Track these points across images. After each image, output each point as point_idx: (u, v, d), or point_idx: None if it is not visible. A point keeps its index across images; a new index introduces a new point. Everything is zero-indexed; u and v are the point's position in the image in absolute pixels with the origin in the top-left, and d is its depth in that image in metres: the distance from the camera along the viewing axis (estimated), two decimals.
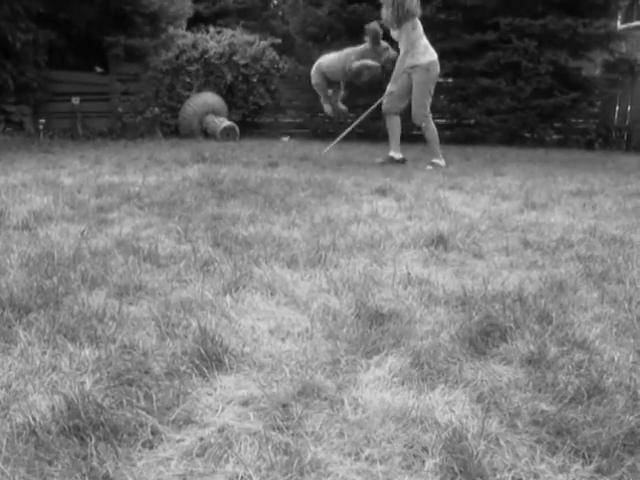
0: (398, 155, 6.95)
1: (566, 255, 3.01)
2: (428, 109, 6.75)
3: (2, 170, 5.57)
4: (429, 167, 6.64)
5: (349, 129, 7.89)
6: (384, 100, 6.92)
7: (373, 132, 10.67)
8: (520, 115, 10.52)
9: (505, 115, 10.50)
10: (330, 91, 7.45)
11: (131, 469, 1.27)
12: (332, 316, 2.10)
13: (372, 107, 7.52)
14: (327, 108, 7.61)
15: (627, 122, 11.23)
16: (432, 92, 6.76)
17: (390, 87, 6.75)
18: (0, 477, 1.23)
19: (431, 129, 6.82)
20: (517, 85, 10.47)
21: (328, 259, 2.78)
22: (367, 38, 6.98)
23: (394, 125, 6.97)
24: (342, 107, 7.63)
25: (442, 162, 6.79)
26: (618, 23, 13.66)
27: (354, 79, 7.24)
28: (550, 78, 10.35)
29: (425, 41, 6.67)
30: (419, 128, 7.01)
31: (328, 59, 7.22)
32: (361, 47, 7.07)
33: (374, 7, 9.88)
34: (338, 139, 7.99)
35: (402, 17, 6.44)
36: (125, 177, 5.26)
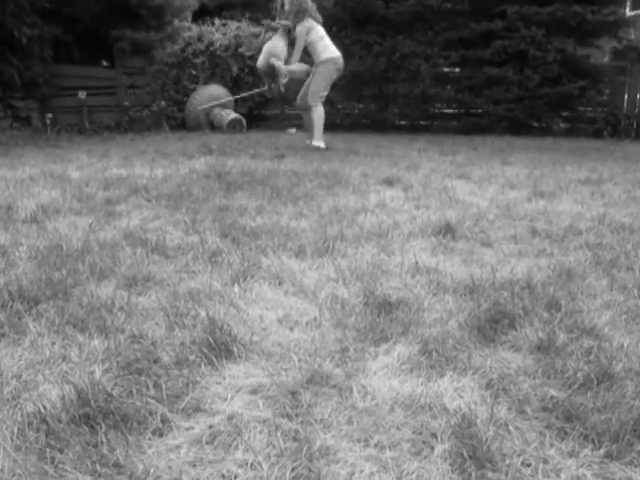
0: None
1: (575, 243, 3.00)
2: (322, 96, 7.24)
3: (10, 165, 5.59)
4: (307, 143, 7.26)
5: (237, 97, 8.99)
6: (298, 97, 7.52)
7: (379, 122, 10.65)
8: (528, 104, 10.45)
9: (512, 104, 10.43)
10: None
11: (141, 456, 1.28)
12: (340, 305, 2.10)
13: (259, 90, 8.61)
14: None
15: (636, 110, 11.14)
16: (329, 85, 7.30)
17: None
18: (12, 465, 1.24)
19: (319, 112, 7.25)
20: (524, 74, 10.40)
21: (336, 249, 2.78)
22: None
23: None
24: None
25: (322, 145, 7.22)
26: (627, 10, 13.52)
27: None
28: (558, 66, 10.27)
29: (326, 41, 7.21)
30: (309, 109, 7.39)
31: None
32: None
33: None
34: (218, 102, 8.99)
35: (296, 17, 7.11)
36: (132, 170, 5.27)
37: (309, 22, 7.07)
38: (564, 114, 11.29)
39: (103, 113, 10.56)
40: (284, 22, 7.26)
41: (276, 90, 7.76)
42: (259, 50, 11.07)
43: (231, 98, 9.09)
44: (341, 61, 7.22)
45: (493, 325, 1.93)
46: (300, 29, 7.03)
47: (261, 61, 7.45)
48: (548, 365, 1.69)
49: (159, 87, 11.07)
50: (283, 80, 7.27)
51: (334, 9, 11.04)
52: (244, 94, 9.16)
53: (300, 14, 7.04)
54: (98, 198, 3.95)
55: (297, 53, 7.16)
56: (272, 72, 7.39)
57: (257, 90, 9.18)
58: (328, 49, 7.19)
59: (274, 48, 7.31)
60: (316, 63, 7.23)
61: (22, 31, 8.96)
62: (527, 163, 6.19)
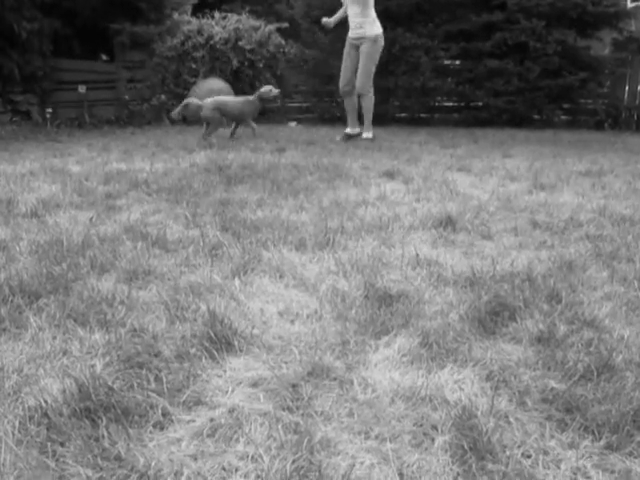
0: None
1: (575, 235, 3.00)
2: (372, 81, 6.92)
3: (10, 159, 5.58)
4: (362, 135, 7.08)
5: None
6: (341, 83, 7.15)
7: (380, 115, 10.62)
8: (528, 96, 10.42)
9: (513, 97, 10.40)
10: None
11: (142, 450, 1.28)
12: (341, 298, 2.10)
13: None
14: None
15: (637, 102, 11.10)
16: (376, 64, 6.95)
17: None
18: (13, 459, 1.24)
19: (371, 101, 7.00)
20: (525, 66, 10.36)
21: (336, 242, 2.78)
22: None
23: (354, 104, 7.24)
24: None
25: (371, 134, 7.05)
26: (628, 1, 13.46)
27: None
28: (558, 58, 10.23)
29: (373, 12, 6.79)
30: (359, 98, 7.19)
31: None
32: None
33: None
34: None
35: None
36: (133, 164, 5.26)
37: None
38: (565, 106, 11.26)
39: (103, 107, 10.54)
40: None
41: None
42: (259, 44, 11.08)
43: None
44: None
45: (493, 317, 1.94)
46: None
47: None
48: (548, 357, 1.69)
49: (159, 81, 11.04)
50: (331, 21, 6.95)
51: (333, 2, 11.00)
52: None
53: None
54: (98, 192, 3.95)
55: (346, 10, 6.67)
56: None
57: None
58: (377, 22, 6.74)
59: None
60: (362, 36, 6.74)
61: (22, 25, 8.93)
62: (528, 155, 6.18)
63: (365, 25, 6.75)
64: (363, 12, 6.72)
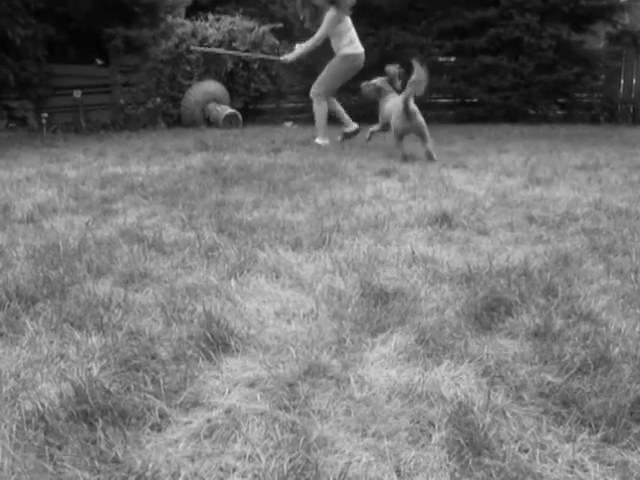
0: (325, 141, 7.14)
1: (571, 229, 3.00)
2: (328, 91, 6.94)
3: (6, 165, 5.57)
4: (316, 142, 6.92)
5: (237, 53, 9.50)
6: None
7: (375, 114, 10.61)
8: (523, 92, 10.43)
9: (508, 92, 10.40)
10: None
11: (140, 452, 1.28)
12: (337, 296, 2.10)
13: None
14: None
15: (632, 95, 11.11)
16: (340, 82, 7.03)
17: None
18: (11, 462, 1.24)
19: (322, 107, 6.96)
20: (519, 61, 10.37)
21: (332, 241, 2.78)
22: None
23: (329, 107, 7.17)
24: None
25: (326, 141, 6.93)
26: None
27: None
28: (553, 53, 10.24)
29: (352, 34, 6.87)
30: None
31: None
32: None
33: None
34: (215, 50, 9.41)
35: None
36: (129, 168, 5.26)
37: (341, 13, 6.72)
38: (560, 101, 11.27)
39: (99, 112, 10.53)
40: None
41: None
42: (253, 45, 11.07)
43: (241, 54, 9.21)
44: (362, 58, 6.90)
45: (490, 313, 1.94)
46: (332, 14, 6.64)
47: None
48: (545, 351, 1.69)
49: (154, 84, 11.03)
50: (294, 56, 7.03)
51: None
52: (259, 56, 9.13)
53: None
54: (94, 196, 3.95)
55: (318, 40, 6.75)
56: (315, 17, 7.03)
57: (255, 55, 9.18)
58: (353, 44, 6.84)
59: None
60: (336, 54, 6.87)
61: (16, 31, 8.91)
62: (523, 150, 6.18)
63: (338, 49, 6.91)
64: (334, 42, 6.91)
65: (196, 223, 3.16)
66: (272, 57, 7.85)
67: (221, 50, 9.51)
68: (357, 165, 5.12)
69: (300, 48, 7.02)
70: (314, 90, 6.97)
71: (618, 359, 1.63)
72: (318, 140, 6.99)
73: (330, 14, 6.66)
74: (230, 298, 2.11)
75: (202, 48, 9.38)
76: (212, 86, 10.60)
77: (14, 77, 9.18)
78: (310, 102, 7.20)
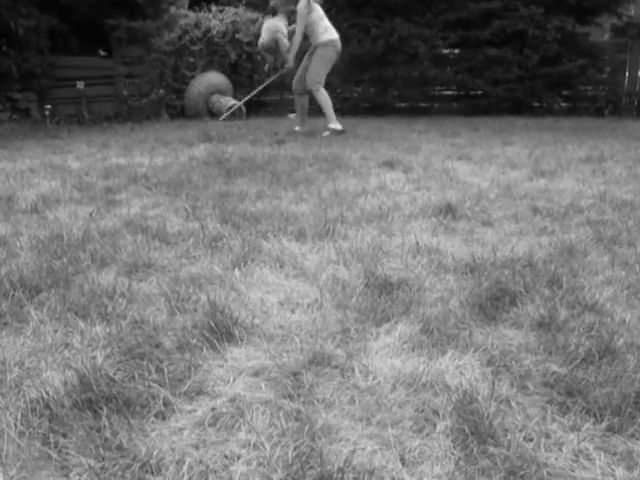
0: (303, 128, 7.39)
1: (576, 220, 2.99)
2: (322, 80, 7.11)
3: (10, 157, 5.57)
4: (326, 133, 7.00)
5: (245, 100, 9.41)
6: (294, 81, 7.40)
7: (379, 106, 10.60)
8: (528, 84, 10.38)
9: (513, 84, 10.35)
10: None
11: (144, 439, 1.28)
12: (341, 286, 2.10)
13: (265, 83, 9.09)
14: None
15: (637, 87, 11.05)
16: (329, 69, 7.20)
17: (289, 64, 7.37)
18: (16, 450, 1.24)
19: (323, 95, 7.12)
20: (524, 54, 10.32)
21: (336, 231, 2.78)
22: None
23: (304, 103, 7.50)
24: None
25: (339, 126, 7.09)
26: None
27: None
28: (557, 45, 10.18)
29: (326, 22, 7.10)
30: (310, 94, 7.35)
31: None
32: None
33: None
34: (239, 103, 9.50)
35: None
36: (132, 159, 5.25)
37: (310, 1, 6.94)
38: (565, 93, 11.21)
39: (102, 103, 10.51)
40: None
41: (279, 63, 7.67)
42: (257, 35, 11.03)
43: (241, 103, 9.42)
44: (339, 43, 7.14)
45: (494, 303, 1.93)
46: (302, 6, 6.84)
47: (264, 38, 7.41)
48: (550, 341, 1.69)
49: (157, 76, 11.00)
50: (290, 56, 7.18)
51: None
52: (254, 92, 9.34)
53: None
54: (98, 187, 3.94)
55: (299, 35, 6.99)
56: (276, 49, 7.37)
57: (265, 83, 9.30)
58: (328, 30, 7.07)
59: (277, 26, 7.26)
60: (315, 44, 7.09)
61: (18, 22, 8.89)
62: (528, 143, 6.16)
63: (315, 39, 7.09)
64: (310, 32, 7.09)
65: (200, 214, 3.16)
66: (281, 72, 8.01)
67: (244, 100, 9.72)
68: (361, 156, 5.11)
69: (292, 49, 7.22)
70: (311, 86, 7.09)
71: (623, 349, 1.63)
72: (331, 125, 7.10)
73: (300, 5, 6.87)
74: (234, 288, 2.11)
75: (228, 112, 9.55)
76: (215, 77, 10.58)
77: (17, 68, 9.17)
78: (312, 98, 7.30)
